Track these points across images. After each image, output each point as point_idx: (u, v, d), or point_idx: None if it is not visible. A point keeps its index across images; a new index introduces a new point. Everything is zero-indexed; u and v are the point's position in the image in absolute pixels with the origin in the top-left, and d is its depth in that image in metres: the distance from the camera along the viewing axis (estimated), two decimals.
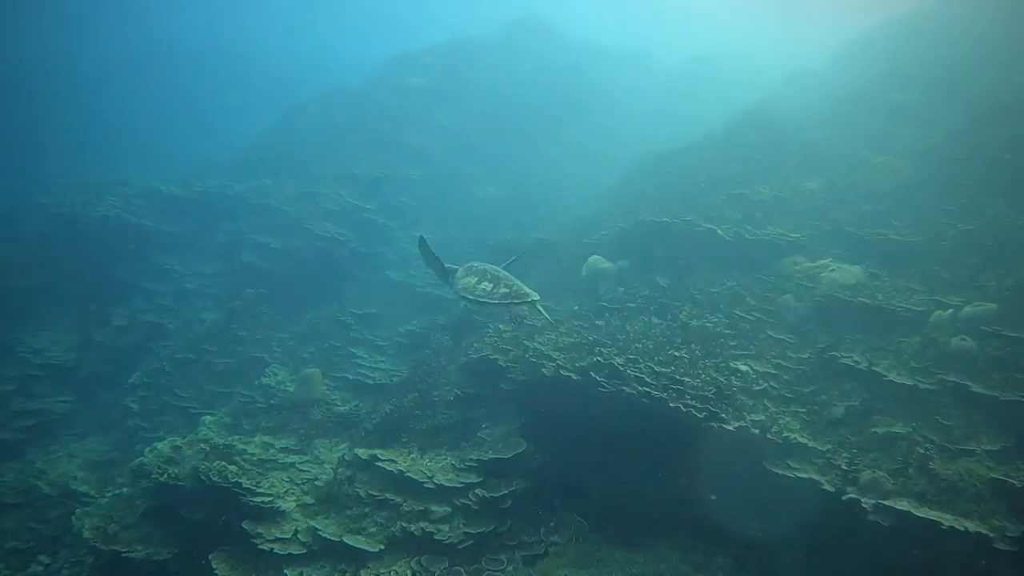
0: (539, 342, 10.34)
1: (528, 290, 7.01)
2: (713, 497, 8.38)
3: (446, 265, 7.74)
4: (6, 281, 17.75)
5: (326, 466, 10.76)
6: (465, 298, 7.25)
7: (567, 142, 23.83)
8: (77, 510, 10.47)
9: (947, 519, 7.00)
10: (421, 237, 7.59)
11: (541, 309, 7.21)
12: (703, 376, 8.83)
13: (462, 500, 9.07)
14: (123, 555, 9.45)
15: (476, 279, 7.17)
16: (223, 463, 10.04)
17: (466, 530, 8.80)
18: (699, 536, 8.62)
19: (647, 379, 8.70)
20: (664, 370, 8.87)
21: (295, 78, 43.09)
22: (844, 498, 7.57)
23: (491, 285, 7.03)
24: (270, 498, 9.59)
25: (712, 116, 18.17)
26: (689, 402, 8.36)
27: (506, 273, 7.22)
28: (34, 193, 20.20)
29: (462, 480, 9.26)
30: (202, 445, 11.11)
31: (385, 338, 14.76)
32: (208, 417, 12.68)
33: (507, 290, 6.95)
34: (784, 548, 8.22)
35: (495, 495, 9.07)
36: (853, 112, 15.58)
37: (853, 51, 20.43)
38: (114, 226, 18.16)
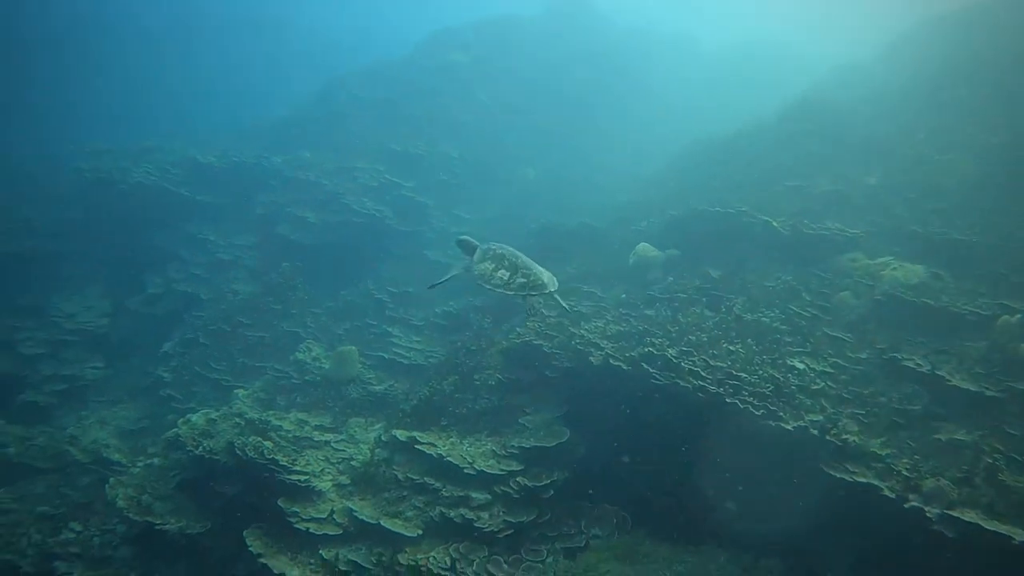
0: (586, 329, 10.07)
1: (546, 279, 6.74)
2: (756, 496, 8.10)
3: (465, 239, 7.52)
4: (40, 244, 17.75)
5: (362, 446, 10.59)
6: (482, 285, 6.98)
7: (609, 124, 23.42)
8: (111, 479, 10.39)
9: (1019, 534, 6.64)
10: (430, 286, 7.75)
11: (559, 299, 6.95)
12: (760, 372, 8.51)
13: (503, 488, 8.84)
14: (156, 527, 9.33)
15: (493, 265, 6.89)
16: (258, 439, 9.89)
17: (506, 519, 8.57)
18: (748, 536, 8.33)
19: (702, 373, 8.39)
20: (720, 364, 8.55)
21: (338, 48, 42.75)
22: (906, 506, 7.24)
23: (508, 274, 6.76)
24: (306, 476, 9.42)
25: (756, 104, 17.76)
26: (746, 399, 8.05)
27: (525, 260, 6.93)
28: (70, 157, 20.14)
29: (503, 467, 9.02)
30: (237, 419, 11.00)
31: (421, 318, 14.50)
32: (241, 391, 12.55)
33: (524, 280, 6.68)
34: (836, 553, 7.92)
35: (537, 484, 8.83)
36: (911, 106, 15.07)
37: (907, 44, 19.79)
38: (149, 193, 18.03)
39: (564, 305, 7.23)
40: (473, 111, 23.32)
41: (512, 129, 22.91)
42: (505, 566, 8.19)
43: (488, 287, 6.88)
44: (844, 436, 7.95)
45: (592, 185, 19.79)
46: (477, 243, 7.42)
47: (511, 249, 7.09)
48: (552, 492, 8.87)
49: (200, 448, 9.87)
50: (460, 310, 14.02)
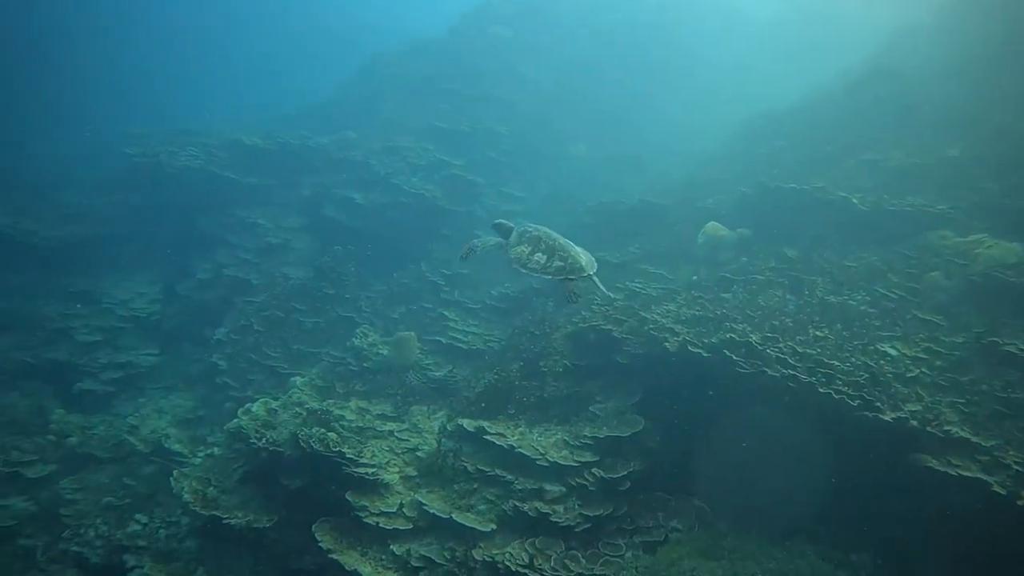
0: (657, 313, 9.65)
1: (585, 262, 6.39)
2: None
3: (501, 222, 7.21)
4: (88, 230, 17.68)
5: (426, 435, 10.30)
6: (517, 269, 6.61)
7: (657, 97, 22.81)
8: (175, 471, 10.24)
9: None
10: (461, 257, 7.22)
11: (598, 282, 6.57)
12: (852, 359, 8.04)
13: (577, 480, 8.51)
14: (223, 521, 9.15)
15: (530, 248, 6.53)
16: (323, 430, 9.65)
17: (582, 512, 8.26)
18: (837, 530, 7.92)
19: (790, 360, 7.94)
20: (808, 351, 8.09)
21: (372, 26, 42.25)
22: (1020, 503, 6.76)
23: (545, 256, 6.40)
24: (373, 469, 9.16)
25: (812, 73, 17.02)
26: (840, 388, 7.59)
27: (563, 242, 6.56)
28: (117, 143, 20.05)
29: (577, 458, 8.68)
30: (298, 409, 10.78)
31: (476, 301, 14.11)
32: (299, 378, 12.32)
33: (562, 263, 6.32)
34: (930, 549, 7.48)
35: (613, 476, 8.49)
36: (985, 71, 14.20)
37: (969, 3, 18.76)
38: (197, 177, 17.81)
39: (603, 289, 6.85)
40: (518, 87, 22.80)
41: (558, 104, 22.38)
42: (583, 561, 7.89)
43: (524, 271, 6.56)
44: (946, 427, 7.49)
45: (643, 161, 19.27)
46: (513, 225, 7.08)
47: (547, 230, 6.76)
48: (628, 484, 8.53)
49: (263, 440, 9.65)
50: (518, 292, 13.64)
